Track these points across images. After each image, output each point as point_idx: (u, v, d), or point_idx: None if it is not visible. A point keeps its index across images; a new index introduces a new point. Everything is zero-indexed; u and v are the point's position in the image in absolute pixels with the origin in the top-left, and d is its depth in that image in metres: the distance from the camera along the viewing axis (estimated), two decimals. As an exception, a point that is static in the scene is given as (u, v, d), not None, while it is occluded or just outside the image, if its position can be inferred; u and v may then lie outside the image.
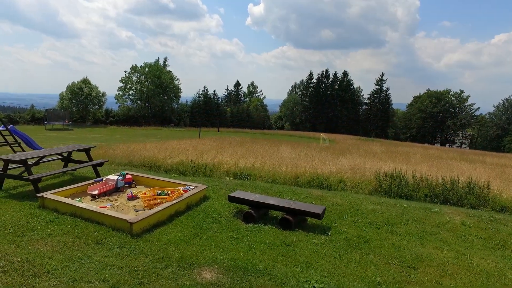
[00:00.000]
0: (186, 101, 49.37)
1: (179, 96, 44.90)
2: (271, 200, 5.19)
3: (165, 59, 44.95)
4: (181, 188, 5.86)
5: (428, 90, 63.73)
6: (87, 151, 6.87)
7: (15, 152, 10.82)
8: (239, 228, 4.80)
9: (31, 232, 4.11)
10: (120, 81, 40.41)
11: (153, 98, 40.27)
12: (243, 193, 5.51)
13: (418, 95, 65.96)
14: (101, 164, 6.81)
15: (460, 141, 62.50)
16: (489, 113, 60.36)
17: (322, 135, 33.23)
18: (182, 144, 16.16)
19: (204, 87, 52.28)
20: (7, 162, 5.60)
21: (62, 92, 32.95)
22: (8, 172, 5.87)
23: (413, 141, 56.39)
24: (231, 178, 8.38)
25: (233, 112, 57.53)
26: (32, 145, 11.21)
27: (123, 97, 40.34)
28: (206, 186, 6.05)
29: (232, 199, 5.33)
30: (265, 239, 4.46)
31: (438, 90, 61.19)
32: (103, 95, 35.22)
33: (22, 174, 6.04)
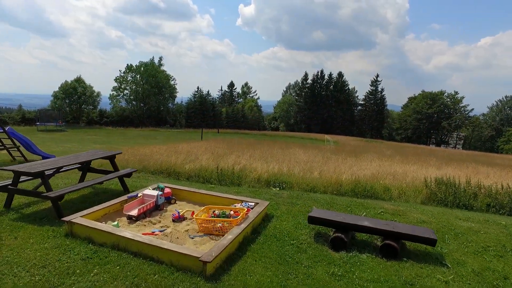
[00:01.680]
0: (181, 102, 47.88)
1: (175, 97, 43.39)
2: (366, 222, 4.10)
3: (160, 59, 43.31)
4: (238, 205, 4.71)
5: (423, 91, 63.79)
6: (111, 158, 5.62)
7: (13, 157, 9.44)
8: (332, 259, 3.69)
9: (68, 279, 2.90)
10: (114, 80, 38.58)
11: (149, 99, 38.64)
12: (325, 213, 4.39)
13: (413, 96, 65.97)
14: (129, 175, 5.58)
15: (454, 142, 62.72)
16: (483, 114, 60.81)
17: (327, 136, 32.37)
18: (193, 147, 14.93)
19: (198, 88, 50.89)
20: (18, 174, 4.34)
21: (55, 91, 31.03)
22: (18, 186, 4.62)
23: (408, 142, 56.23)
24: (277, 189, 7.26)
25: (228, 112, 56.32)
26: (32, 149, 9.84)
27: (117, 97, 38.54)
28: (268, 202, 4.90)
29: (314, 220, 4.21)
30: (376, 276, 3.37)
31: (433, 91, 61.24)
32: (98, 95, 33.44)
33: (38, 189, 4.78)
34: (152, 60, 41.37)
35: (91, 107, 33.33)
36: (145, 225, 4.16)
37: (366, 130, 66.63)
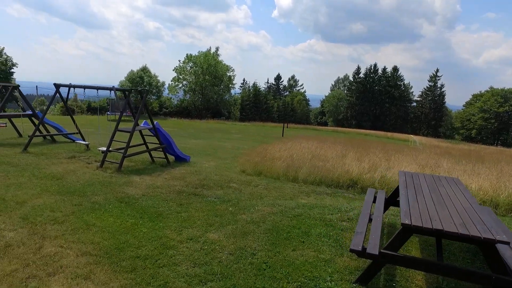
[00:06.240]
0: (236, 93, 46.13)
1: (231, 88, 41.51)
2: None
3: (217, 49, 41.34)
4: None
5: (491, 87, 58.21)
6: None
7: (152, 158, 7.51)
8: None
9: None
10: (173, 70, 37.04)
11: (207, 89, 36.88)
12: None
13: (479, 93, 60.35)
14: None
15: (526, 144, 56.70)
16: None
17: (413, 137, 29.22)
18: (333, 149, 12.03)
19: (244, 80, 48.72)
20: (412, 230, 2.06)
21: (121, 81, 29.91)
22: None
23: (471, 142, 51.34)
24: None
25: (279, 106, 54.05)
26: (172, 149, 7.88)
27: (176, 87, 37.02)
28: None
29: None
30: None
31: (505, 88, 55.62)
32: (163, 84, 32.04)
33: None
34: (209, 49, 39.58)
35: (154, 97, 32.00)
36: None
37: (421, 128, 62.00)
